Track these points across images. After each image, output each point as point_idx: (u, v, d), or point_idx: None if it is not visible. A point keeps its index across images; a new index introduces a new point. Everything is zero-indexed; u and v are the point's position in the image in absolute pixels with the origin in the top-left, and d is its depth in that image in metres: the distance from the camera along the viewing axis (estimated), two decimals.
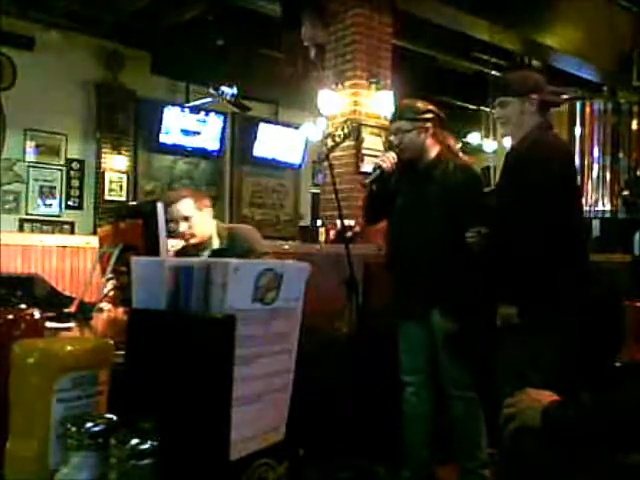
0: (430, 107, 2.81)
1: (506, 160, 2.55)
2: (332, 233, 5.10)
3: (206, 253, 2.90)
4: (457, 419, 2.72)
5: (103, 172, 7.48)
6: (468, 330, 2.48)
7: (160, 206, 1.98)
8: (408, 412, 2.83)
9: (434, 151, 2.78)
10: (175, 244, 2.97)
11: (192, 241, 2.90)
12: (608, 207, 5.79)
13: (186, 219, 2.84)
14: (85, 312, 2.23)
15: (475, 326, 2.52)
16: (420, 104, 2.81)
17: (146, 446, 0.75)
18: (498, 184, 2.66)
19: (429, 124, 2.76)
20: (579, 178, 5.77)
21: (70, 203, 7.41)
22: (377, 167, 2.80)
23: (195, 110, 7.89)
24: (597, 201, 5.81)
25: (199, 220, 2.87)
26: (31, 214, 7.12)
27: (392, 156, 2.78)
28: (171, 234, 2.75)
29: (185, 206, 2.85)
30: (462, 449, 2.73)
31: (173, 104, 7.76)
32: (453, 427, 2.75)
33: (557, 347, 2.30)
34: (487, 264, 2.43)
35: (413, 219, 2.73)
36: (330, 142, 3.40)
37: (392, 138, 2.81)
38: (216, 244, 2.94)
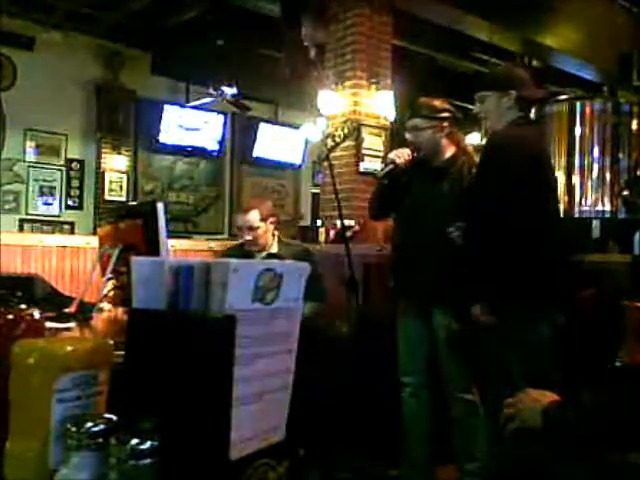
0: (447, 106, 2.80)
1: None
2: (332, 233, 5.10)
3: (261, 256, 3.10)
4: (457, 420, 2.72)
5: (103, 172, 7.47)
6: (470, 330, 2.45)
7: (160, 206, 1.98)
8: (407, 413, 2.83)
9: (449, 151, 2.76)
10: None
11: (252, 247, 3.12)
12: (608, 207, 5.79)
13: (251, 229, 3.07)
14: (85, 312, 2.23)
15: (477, 326, 2.50)
16: (437, 102, 2.79)
17: (146, 446, 0.75)
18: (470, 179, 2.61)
19: (445, 123, 2.74)
20: (578, 178, 5.78)
21: (70, 203, 7.40)
22: (390, 162, 2.78)
23: (195, 110, 7.89)
24: (597, 201, 5.80)
25: (263, 230, 3.08)
26: (31, 214, 7.11)
27: (407, 152, 2.76)
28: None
29: (252, 218, 3.07)
30: (462, 450, 2.73)
31: (173, 104, 7.75)
32: (453, 428, 2.74)
33: (527, 347, 2.24)
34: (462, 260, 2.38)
35: (423, 218, 2.71)
36: (330, 142, 3.39)
37: (407, 135, 2.80)
38: (274, 249, 3.12)
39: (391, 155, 2.81)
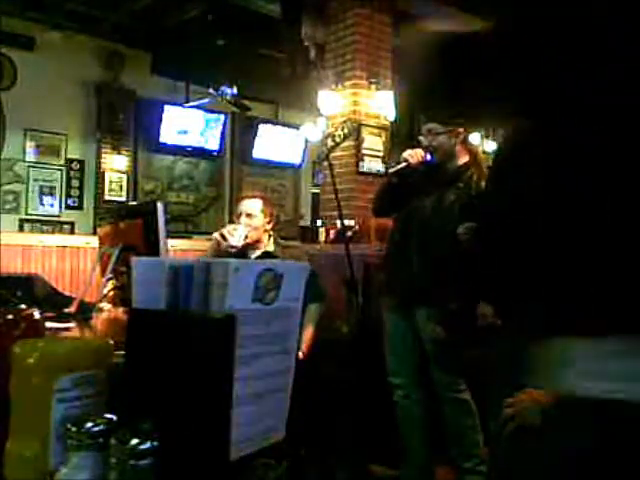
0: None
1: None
2: (332, 233, 5.10)
3: (256, 254, 3.05)
4: (451, 421, 2.72)
5: (103, 172, 7.47)
6: (455, 335, 2.44)
7: (160, 206, 1.98)
8: (401, 415, 2.82)
9: (463, 159, 2.76)
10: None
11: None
12: None
13: (248, 216, 3.02)
14: (85, 312, 2.23)
15: (463, 330, 2.49)
16: None
17: (146, 446, 0.75)
18: (489, 177, 2.58)
19: (461, 129, 2.75)
20: None
21: (70, 203, 7.40)
22: (404, 160, 2.78)
23: (195, 110, 7.89)
24: None
25: (259, 222, 3.03)
26: (31, 214, 7.11)
27: (421, 154, 2.76)
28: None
29: (253, 205, 3.04)
30: (459, 449, 2.73)
31: (173, 104, 7.75)
32: (447, 428, 2.74)
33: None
34: (472, 260, 2.36)
35: (424, 222, 2.71)
36: (330, 142, 3.38)
37: (422, 139, 2.80)
38: (270, 249, 3.08)
39: (405, 154, 2.81)
